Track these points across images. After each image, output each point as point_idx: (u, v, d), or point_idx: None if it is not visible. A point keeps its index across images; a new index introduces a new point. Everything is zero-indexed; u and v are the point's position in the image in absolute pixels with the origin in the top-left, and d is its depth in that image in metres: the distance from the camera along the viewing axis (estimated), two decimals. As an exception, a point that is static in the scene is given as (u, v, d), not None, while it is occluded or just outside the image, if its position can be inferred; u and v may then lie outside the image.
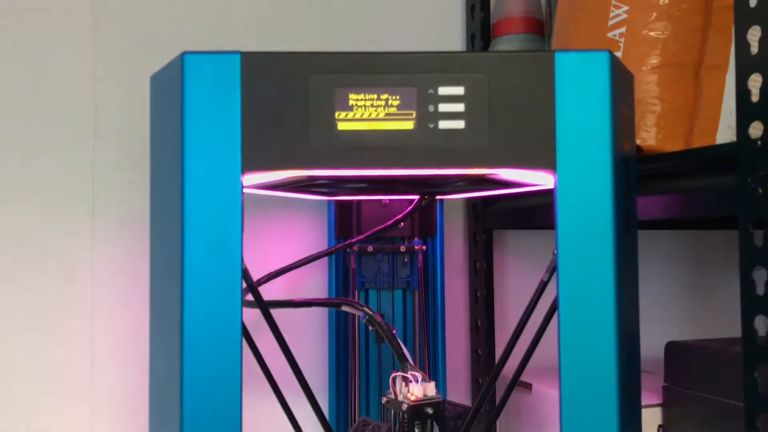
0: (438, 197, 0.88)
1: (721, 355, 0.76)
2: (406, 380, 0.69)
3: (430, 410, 0.68)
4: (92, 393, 0.88)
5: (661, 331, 1.05)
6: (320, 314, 0.96)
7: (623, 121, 0.59)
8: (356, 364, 0.89)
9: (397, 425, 0.69)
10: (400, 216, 0.79)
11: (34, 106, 0.87)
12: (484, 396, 0.65)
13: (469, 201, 1.02)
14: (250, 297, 0.63)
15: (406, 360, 0.71)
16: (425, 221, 0.90)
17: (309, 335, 0.96)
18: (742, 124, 0.56)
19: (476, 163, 0.54)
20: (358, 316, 0.88)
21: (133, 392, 0.89)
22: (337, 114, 0.54)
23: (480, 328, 1.00)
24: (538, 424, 0.91)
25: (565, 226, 0.54)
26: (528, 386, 0.92)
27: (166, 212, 0.58)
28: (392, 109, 0.54)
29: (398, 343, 0.71)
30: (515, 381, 0.64)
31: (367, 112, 0.54)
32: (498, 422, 1.00)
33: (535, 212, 0.87)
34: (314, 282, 0.96)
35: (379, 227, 0.79)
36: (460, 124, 0.54)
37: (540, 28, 0.94)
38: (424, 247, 0.90)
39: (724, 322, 1.12)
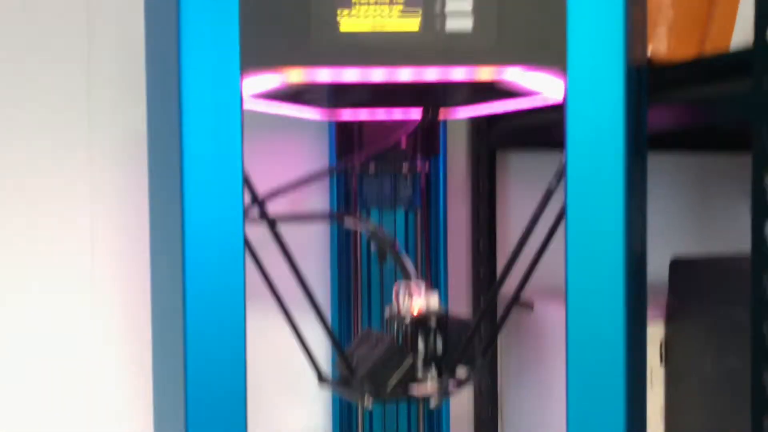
0: (441, 118, 0.86)
1: (725, 268, 0.75)
2: (409, 292, 0.69)
3: (433, 322, 0.68)
4: (93, 307, 0.88)
5: (664, 250, 1.05)
6: (322, 236, 0.95)
7: (636, 25, 0.57)
8: (359, 282, 0.89)
9: (401, 337, 0.69)
10: (402, 130, 0.77)
11: (25, 18, 0.84)
12: (485, 310, 0.64)
13: (473, 122, 1.00)
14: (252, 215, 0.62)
15: (408, 271, 0.70)
16: (428, 139, 0.89)
17: (311, 256, 0.95)
18: (759, 28, 0.54)
19: (484, 59, 0.52)
20: (360, 234, 0.87)
21: (135, 310, 0.89)
22: (339, 12, 0.52)
23: (482, 249, 1.00)
24: (541, 343, 0.92)
25: (575, 130, 0.53)
26: (530, 306, 0.92)
27: (164, 120, 0.57)
28: (398, 8, 0.52)
29: (400, 256, 0.71)
30: (517, 296, 0.64)
31: (371, 10, 0.52)
32: (500, 343, 1.01)
33: (540, 131, 0.86)
34: (316, 205, 0.95)
35: (383, 141, 0.78)
36: (468, 22, 0.52)
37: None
38: (426, 168, 0.88)
39: (726, 244, 1.11)
